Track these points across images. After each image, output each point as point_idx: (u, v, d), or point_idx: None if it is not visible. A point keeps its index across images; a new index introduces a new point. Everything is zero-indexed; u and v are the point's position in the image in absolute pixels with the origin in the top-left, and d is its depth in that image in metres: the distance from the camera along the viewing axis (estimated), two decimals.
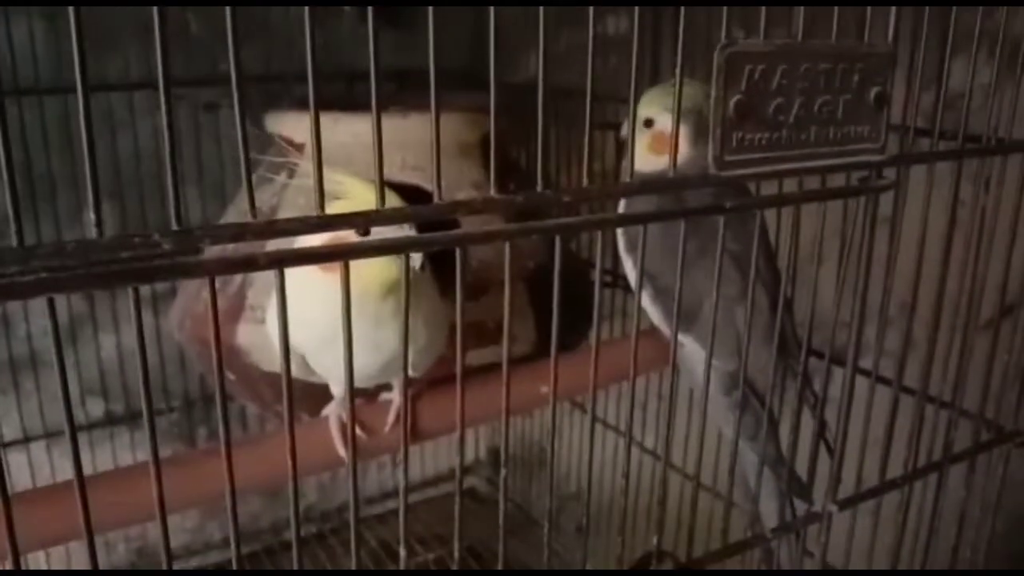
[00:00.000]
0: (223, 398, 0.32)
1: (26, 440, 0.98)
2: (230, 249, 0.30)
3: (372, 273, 0.51)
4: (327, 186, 0.31)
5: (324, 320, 0.52)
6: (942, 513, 0.61)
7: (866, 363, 0.57)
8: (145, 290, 1.05)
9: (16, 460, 0.97)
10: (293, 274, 0.53)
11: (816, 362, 0.68)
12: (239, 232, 0.29)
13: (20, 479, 0.95)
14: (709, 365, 0.48)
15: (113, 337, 1.01)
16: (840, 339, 0.54)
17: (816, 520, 0.54)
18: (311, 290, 0.51)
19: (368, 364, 0.55)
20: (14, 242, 0.26)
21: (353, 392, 0.37)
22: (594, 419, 0.43)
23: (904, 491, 0.57)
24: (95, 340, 1.00)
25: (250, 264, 0.29)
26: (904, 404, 0.59)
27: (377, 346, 0.54)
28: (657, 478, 0.48)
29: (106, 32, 0.89)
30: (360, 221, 0.32)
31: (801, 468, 0.64)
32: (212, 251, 0.29)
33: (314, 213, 0.31)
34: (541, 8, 0.35)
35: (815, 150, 0.41)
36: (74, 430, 0.28)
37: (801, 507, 0.58)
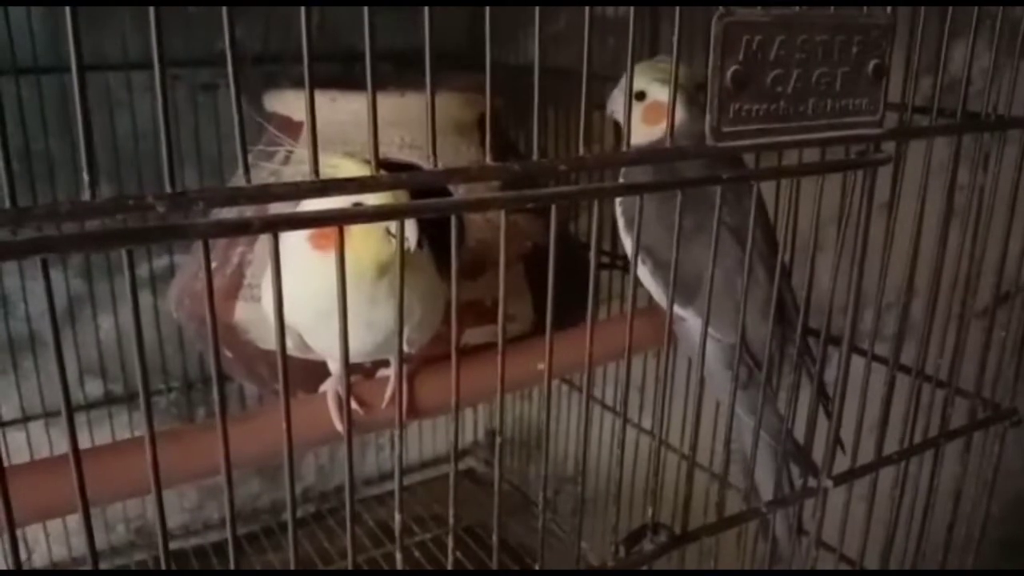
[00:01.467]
0: (218, 363, 0.32)
1: (25, 420, 0.98)
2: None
3: (367, 252, 0.51)
4: (322, 170, 0.31)
5: (320, 297, 0.52)
6: (938, 491, 0.61)
7: (865, 343, 0.57)
8: (143, 271, 1.05)
9: (15, 439, 0.97)
10: (288, 251, 0.54)
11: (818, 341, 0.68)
12: (233, 195, 0.29)
13: (19, 459, 0.95)
14: (705, 337, 0.48)
15: (111, 318, 1.01)
16: (837, 317, 0.54)
17: (812, 495, 0.54)
18: (306, 267, 0.51)
19: (363, 342, 0.55)
20: (7, 203, 0.26)
21: (348, 366, 0.37)
22: (589, 396, 0.43)
23: (900, 467, 0.57)
24: (93, 321, 1.00)
25: (244, 227, 0.29)
26: (901, 383, 0.59)
27: (371, 324, 0.54)
28: (656, 458, 0.48)
29: (103, 12, 0.89)
30: (354, 186, 0.32)
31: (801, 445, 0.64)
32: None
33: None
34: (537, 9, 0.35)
35: (813, 122, 0.41)
36: (67, 388, 0.28)
37: (798, 482, 0.58)
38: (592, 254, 0.41)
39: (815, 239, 0.52)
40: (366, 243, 0.50)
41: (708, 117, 0.38)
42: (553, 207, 0.36)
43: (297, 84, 0.80)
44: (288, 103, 0.79)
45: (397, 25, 0.79)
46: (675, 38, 0.37)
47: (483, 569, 1.02)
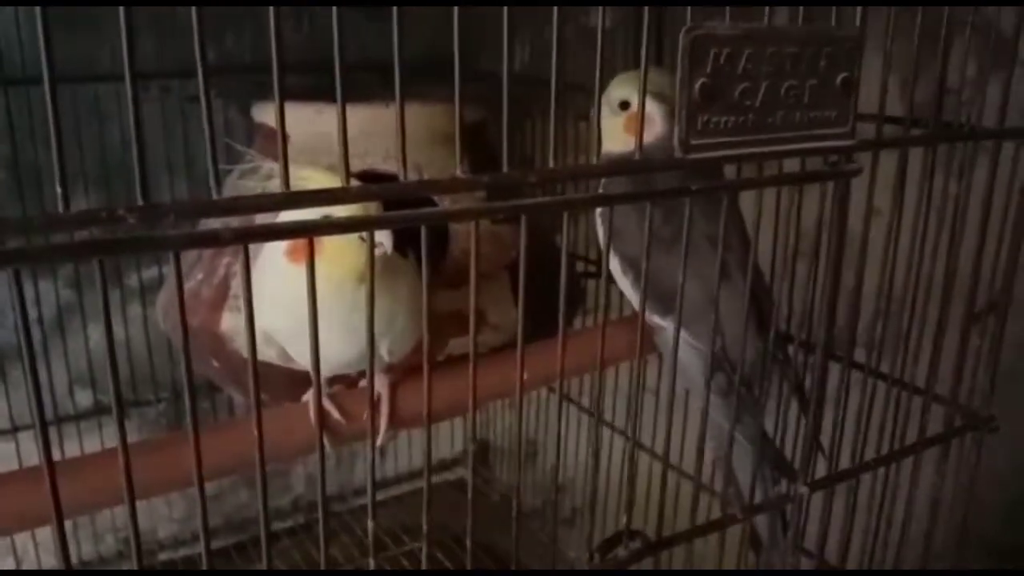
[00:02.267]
0: (189, 371, 0.32)
1: (14, 430, 0.98)
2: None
3: (344, 261, 0.51)
4: (293, 182, 0.32)
5: (298, 309, 0.53)
6: (917, 498, 0.62)
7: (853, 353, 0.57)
8: (133, 281, 1.05)
9: (4, 450, 0.98)
10: (267, 265, 0.54)
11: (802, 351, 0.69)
12: (204, 207, 0.30)
13: (8, 468, 0.95)
14: (677, 344, 0.49)
15: (101, 328, 1.02)
16: (820, 327, 0.54)
17: (789, 501, 0.54)
18: (283, 280, 0.52)
19: (345, 351, 0.56)
20: None
21: (319, 373, 0.37)
22: (563, 398, 0.44)
23: (877, 474, 0.58)
24: (83, 331, 1.01)
25: (214, 239, 0.30)
26: (879, 392, 0.60)
27: (353, 332, 0.54)
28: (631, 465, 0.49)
29: (92, 23, 0.89)
30: (325, 198, 0.32)
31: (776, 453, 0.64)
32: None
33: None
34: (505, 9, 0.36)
35: (781, 134, 0.42)
36: (39, 392, 0.29)
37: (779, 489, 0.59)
38: (563, 264, 0.41)
39: (795, 250, 0.52)
40: (343, 252, 0.51)
41: (676, 129, 0.39)
42: (523, 218, 0.37)
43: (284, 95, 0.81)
44: (275, 114, 0.80)
45: (384, 36, 0.80)
46: (643, 51, 0.37)
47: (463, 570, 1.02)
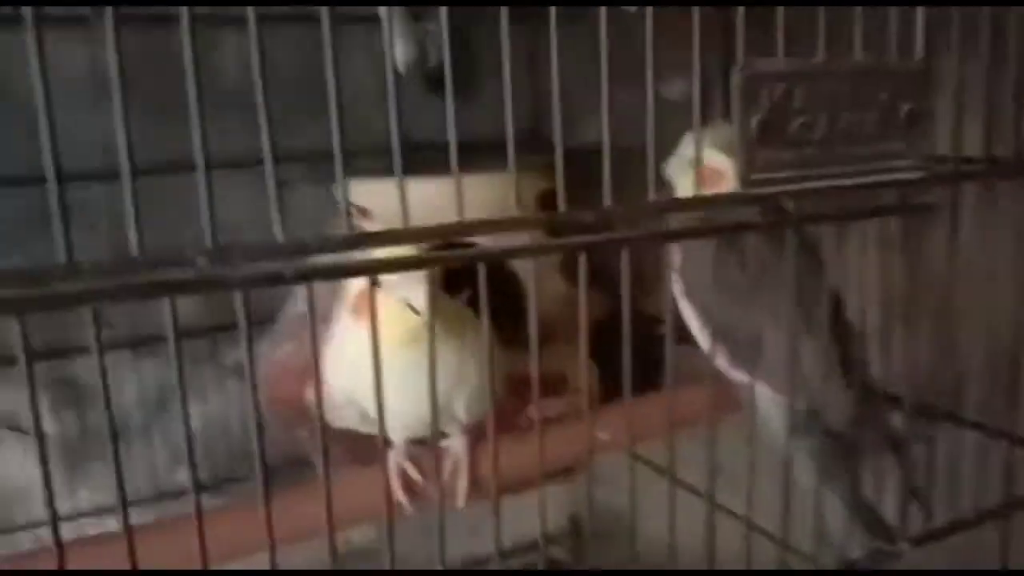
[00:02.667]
0: (259, 429, 0.33)
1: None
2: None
3: (399, 320, 0.52)
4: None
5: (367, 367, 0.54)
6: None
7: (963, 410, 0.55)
8: (229, 361, 1.08)
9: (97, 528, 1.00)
10: (340, 328, 0.56)
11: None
12: (270, 249, 0.31)
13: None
14: (754, 398, 0.48)
15: (200, 406, 1.05)
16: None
17: (887, 559, 0.52)
18: (353, 339, 0.53)
19: (417, 413, 0.56)
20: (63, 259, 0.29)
21: (384, 421, 0.38)
22: (635, 457, 0.43)
23: (982, 528, 0.55)
24: (183, 410, 1.04)
25: (277, 279, 0.31)
26: (980, 444, 0.56)
27: (416, 389, 0.54)
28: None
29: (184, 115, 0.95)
30: (386, 238, 0.33)
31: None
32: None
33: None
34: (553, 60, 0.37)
35: (844, 168, 0.42)
36: (118, 461, 0.30)
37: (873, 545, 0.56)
38: (624, 303, 0.41)
39: (884, 296, 0.51)
40: (390, 315, 0.51)
41: (736, 165, 0.39)
42: (582, 257, 0.37)
43: (365, 174, 0.85)
44: (357, 191, 0.83)
45: (460, 115, 0.82)
46: (695, 87, 0.38)
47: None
